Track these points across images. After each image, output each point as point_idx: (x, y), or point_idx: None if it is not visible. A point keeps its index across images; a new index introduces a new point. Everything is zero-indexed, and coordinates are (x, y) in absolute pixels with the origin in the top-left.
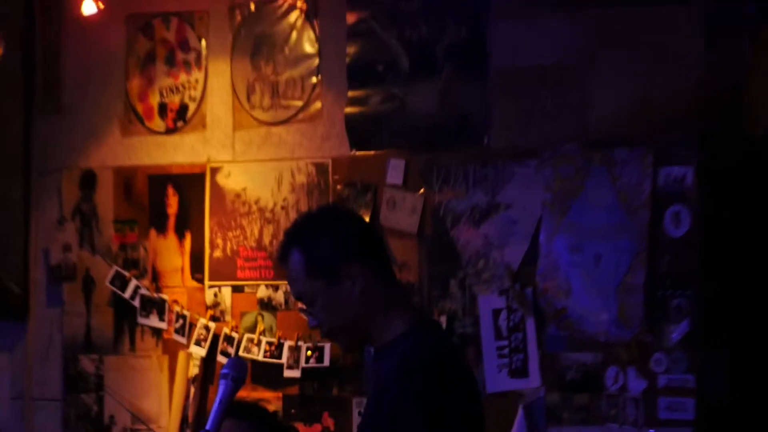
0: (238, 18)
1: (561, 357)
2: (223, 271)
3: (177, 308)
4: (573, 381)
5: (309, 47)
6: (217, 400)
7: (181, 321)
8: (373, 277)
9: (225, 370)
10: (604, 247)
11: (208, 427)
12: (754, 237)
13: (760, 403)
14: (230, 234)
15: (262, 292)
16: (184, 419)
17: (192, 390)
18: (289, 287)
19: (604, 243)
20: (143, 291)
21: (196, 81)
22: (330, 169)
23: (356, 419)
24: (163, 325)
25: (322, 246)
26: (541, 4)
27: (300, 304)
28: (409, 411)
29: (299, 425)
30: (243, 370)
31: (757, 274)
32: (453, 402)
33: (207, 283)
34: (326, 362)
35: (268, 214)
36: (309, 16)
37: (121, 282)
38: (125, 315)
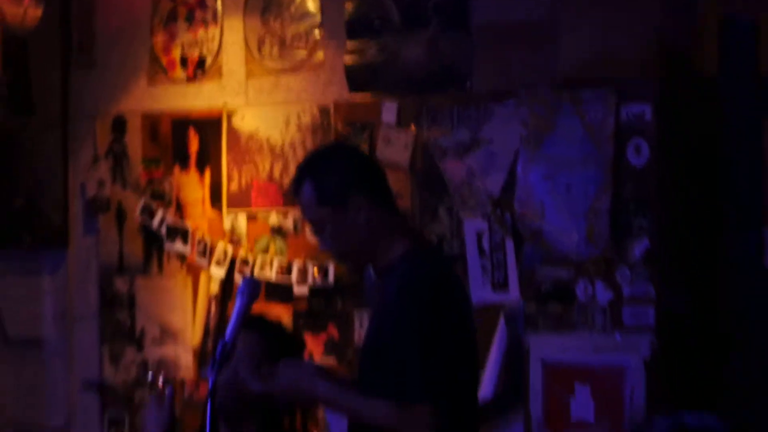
0: None
1: (537, 272)
2: (239, 201)
3: (199, 234)
4: (548, 293)
5: (312, 6)
6: (234, 313)
7: (202, 246)
8: (377, 206)
9: (241, 288)
10: (573, 176)
11: (226, 338)
12: (703, 165)
13: (709, 309)
14: (244, 169)
15: (274, 219)
16: (206, 331)
17: (213, 306)
18: (301, 215)
19: (574, 172)
20: (169, 220)
21: (213, 36)
22: (332, 111)
23: (357, 330)
24: (186, 250)
25: (331, 178)
26: None
27: (312, 230)
28: (415, 322)
29: (308, 335)
30: (257, 288)
31: (707, 197)
32: (454, 312)
33: (225, 212)
34: (331, 280)
35: (277, 152)
36: None
37: (149, 212)
38: (153, 241)
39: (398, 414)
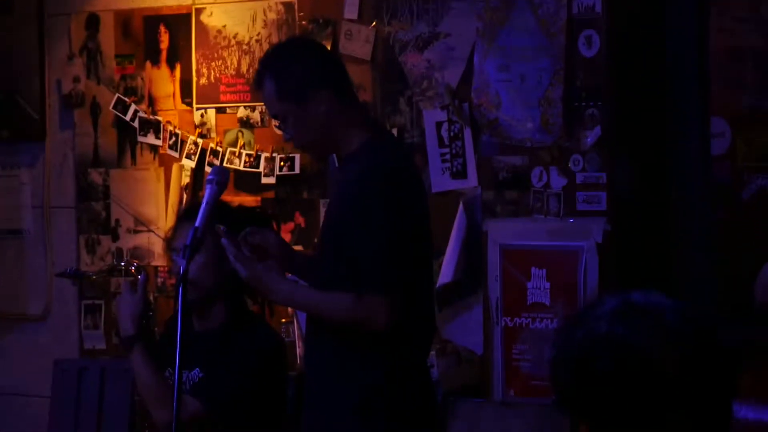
0: None
1: (494, 160)
2: (208, 95)
3: (170, 128)
4: (504, 180)
5: None
6: (204, 200)
7: (173, 138)
8: (336, 98)
9: (210, 176)
10: (527, 66)
11: (197, 224)
12: (652, 55)
13: (657, 193)
14: (213, 64)
15: (242, 112)
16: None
17: (185, 196)
18: (265, 108)
19: (528, 63)
20: (141, 114)
21: None
22: (296, 7)
23: (323, 217)
24: (158, 142)
25: (291, 73)
26: None
27: (275, 122)
28: (373, 212)
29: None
30: (225, 175)
31: (656, 86)
32: (410, 202)
33: (195, 105)
34: (297, 170)
35: (244, 47)
36: None
37: (123, 107)
38: (127, 134)
39: (357, 305)
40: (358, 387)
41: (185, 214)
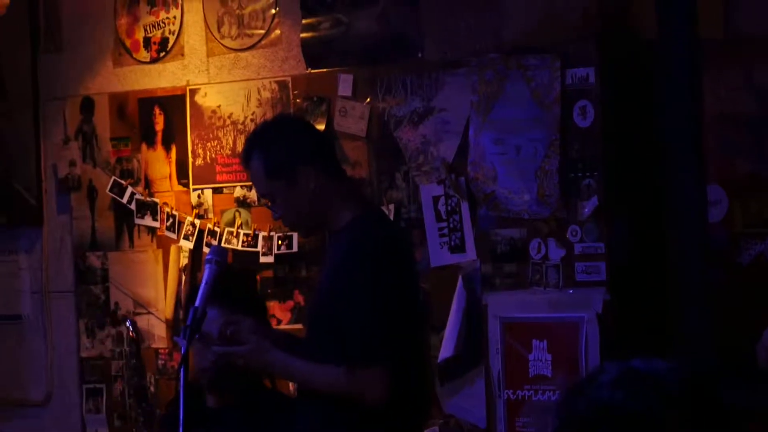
0: None
1: (492, 233)
2: (205, 176)
3: (167, 209)
4: (503, 253)
5: None
6: (204, 281)
7: (171, 220)
8: (325, 175)
9: (209, 256)
10: (523, 138)
11: (197, 304)
12: (647, 124)
13: (655, 260)
14: (209, 144)
15: (238, 192)
16: (177, 302)
17: (183, 277)
18: (253, 187)
19: (523, 135)
20: (138, 196)
21: (174, 17)
22: (290, 85)
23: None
24: (156, 224)
25: (279, 151)
26: None
27: (264, 200)
28: (365, 284)
29: (275, 303)
30: (224, 255)
31: (649, 155)
32: (402, 275)
33: (191, 186)
34: (295, 248)
35: (240, 126)
36: None
37: (119, 189)
38: (124, 217)
39: (350, 379)
40: None
41: (189, 299)
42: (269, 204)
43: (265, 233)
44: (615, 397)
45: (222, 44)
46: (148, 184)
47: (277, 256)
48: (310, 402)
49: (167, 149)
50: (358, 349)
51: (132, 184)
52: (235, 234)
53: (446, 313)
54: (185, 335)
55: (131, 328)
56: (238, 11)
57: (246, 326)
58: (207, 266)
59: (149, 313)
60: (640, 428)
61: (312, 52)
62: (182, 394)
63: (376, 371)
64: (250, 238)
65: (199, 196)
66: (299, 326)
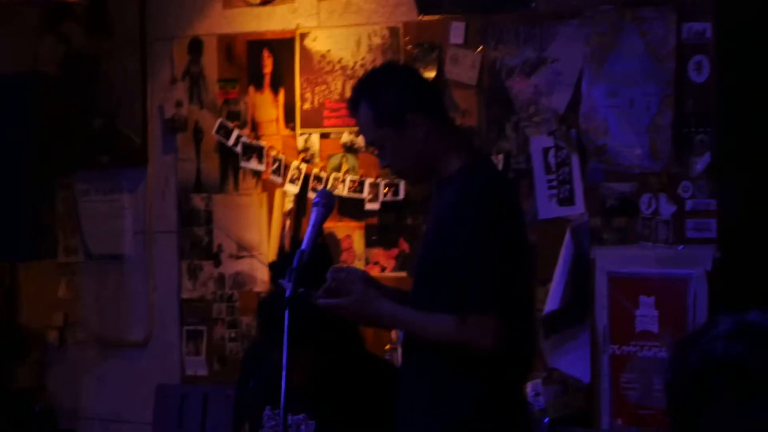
0: None
1: (601, 187)
2: (312, 120)
3: (273, 153)
4: (612, 207)
5: None
6: (311, 224)
7: (277, 164)
8: (433, 123)
9: (317, 199)
10: (636, 91)
11: (303, 247)
12: (762, 81)
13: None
14: (317, 89)
15: (346, 137)
16: (280, 247)
17: (287, 222)
18: (360, 134)
19: (637, 88)
20: (244, 139)
21: None
22: (401, 32)
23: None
24: (261, 168)
25: (387, 98)
26: None
27: (371, 148)
28: (476, 233)
29: (380, 251)
30: (331, 199)
31: (764, 111)
32: (511, 224)
33: (298, 131)
34: (401, 196)
35: (349, 72)
36: None
37: (225, 131)
38: (229, 159)
39: (462, 327)
40: (453, 409)
41: (294, 242)
42: (376, 152)
43: (372, 180)
44: (731, 350)
45: None
46: (254, 127)
47: (383, 203)
48: (416, 353)
49: (275, 92)
50: (470, 297)
51: (238, 127)
52: (341, 180)
53: (552, 266)
54: (290, 278)
55: None
56: None
57: (350, 277)
58: (314, 209)
59: (252, 256)
60: (757, 384)
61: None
62: (286, 338)
63: (487, 319)
64: (356, 184)
65: (305, 141)
66: (403, 274)
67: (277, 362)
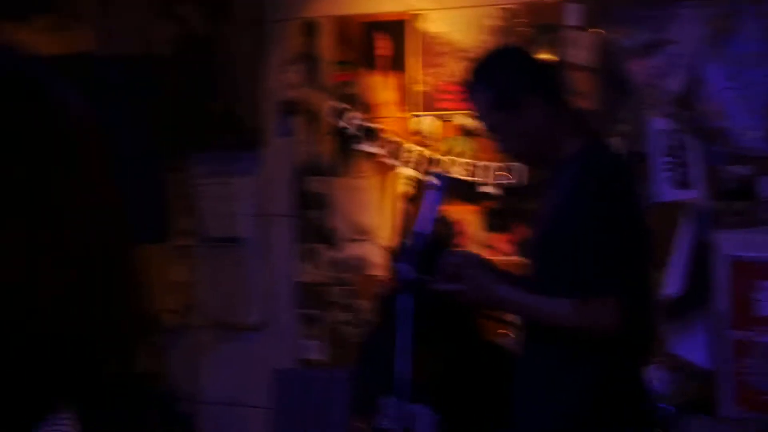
0: None
1: (719, 170)
2: (427, 102)
3: (388, 135)
4: (731, 190)
5: None
6: (426, 207)
7: (392, 146)
8: (549, 106)
9: (432, 183)
10: (755, 74)
11: (418, 230)
12: None
13: None
14: (432, 71)
15: (461, 119)
16: (396, 231)
17: (404, 205)
18: (476, 117)
19: (756, 70)
20: (359, 121)
21: None
22: (517, 13)
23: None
24: (376, 150)
25: (503, 81)
26: None
27: (488, 132)
28: (596, 215)
29: (495, 234)
30: (446, 182)
31: None
32: (631, 207)
33: (414, 113)
34: (518, 179)
35: (464, 54)
36: None
37: (340, 114)
38: (344, 142)
39: (582, 310)
40: (571, 393)
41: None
42: (493, 135)
43: (488, 163)
44: None
45: None
46: (369, 110)
47: (499, 187)
48: (533, 339)
49: (390, 74)
50: (589, 280)
51: (353, 109)
52: (456, 163)
53: (668, 250)
54: (408, 262)
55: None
56: None
57: (467, 261)
58: (429, 192)
59: (368, 240)
60: None
61: None
62: (403, 321)
63: (609, 302)
64: (471, 168)
65: (420, 123)
66: (520, 259)
67: (398, 350)
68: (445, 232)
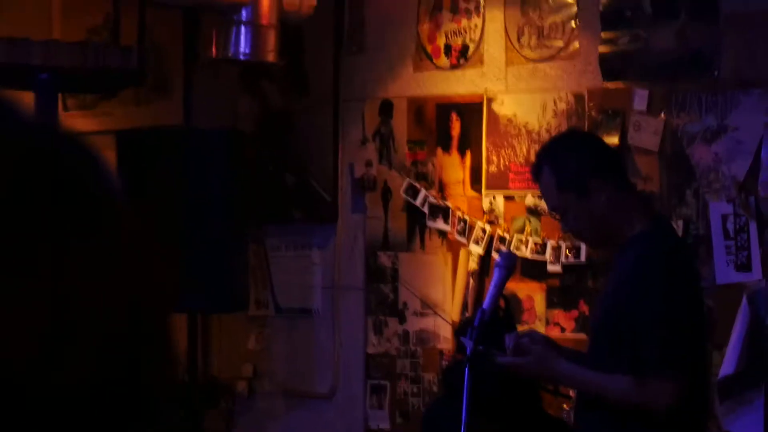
0: None
1: None
2: (497, 182)
3: (459, 213)
4: None
5: None
6: (492, 284)
7: (462, 224)
8: (614, 187)
9: (499, 261)
10: None
11: (484, 306)
12: None
13: None
14: (503, 152)
15: (530, 200)
16: (464, 305)
17: (471, 281)
18: (542, 198)
19: None
20: (431, 199)
21: (475, 26)
22: (586, 98)
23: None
24: (447, 228)
25: (570, 164)
26: None
27: (554, 214)
28: (656, 295)
29: (559, 312)
30: (513, 261)
31: None
32: (691, 288)
33: (484, 192)
34: (583, 258)
35: (534, 136)
36: None
37: (413, 192)
38: (416, 219)
39: (639, 388)
40: None
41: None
42: (558, 216)
43: (554, 242)
44: None
45: (521, 54)
46: (441, 188)
47: (564, 265)
48: (589, 414)
49: (462, 154)
50: (648, 359)
51: (426, 187)
52: (524, 241)
53: (728, 331)
54: (471, 336)
55: None
56: (538, 22)
57: (529, 337)
58: (496, 270)
59: (436, 314)
60: None
61: (609, 66)
62: (466, 395)
63: (665, 382)
64: (538, 246)
65: (490, 202)
66: (582, 336)
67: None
68: (510, 308)
